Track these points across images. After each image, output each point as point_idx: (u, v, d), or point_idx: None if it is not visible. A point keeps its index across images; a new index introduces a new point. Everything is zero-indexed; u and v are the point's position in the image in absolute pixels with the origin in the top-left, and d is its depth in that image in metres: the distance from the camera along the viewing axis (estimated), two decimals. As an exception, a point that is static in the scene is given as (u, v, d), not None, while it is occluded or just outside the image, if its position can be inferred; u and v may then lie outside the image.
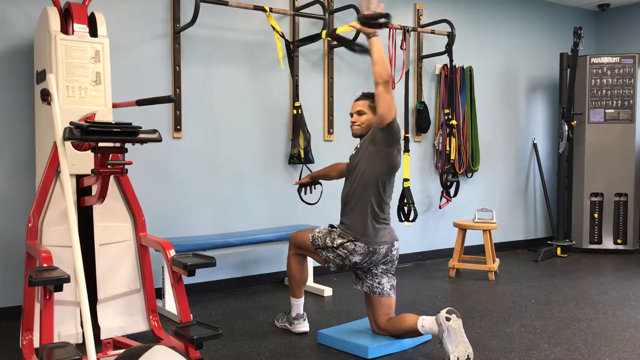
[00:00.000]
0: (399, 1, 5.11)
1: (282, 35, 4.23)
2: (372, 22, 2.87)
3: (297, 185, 3.68)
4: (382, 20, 2.85)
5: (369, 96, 3.13)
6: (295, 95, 4.49)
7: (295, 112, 4.46)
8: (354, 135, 3.17)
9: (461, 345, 2.69)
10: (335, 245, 3.03)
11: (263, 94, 4.45)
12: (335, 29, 4.39)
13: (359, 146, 3.12)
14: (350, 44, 3.52)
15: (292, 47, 4.45)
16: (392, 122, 2.90)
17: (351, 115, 3.16)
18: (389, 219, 3.11)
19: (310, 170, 4.35)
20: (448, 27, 5.04)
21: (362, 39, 4.58)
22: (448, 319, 2.72)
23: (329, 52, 4.74)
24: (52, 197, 2.85)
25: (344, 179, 3.24)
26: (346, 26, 4.27)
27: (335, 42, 4.64)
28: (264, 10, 4.11)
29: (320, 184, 3.71)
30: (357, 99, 3.18)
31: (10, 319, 3.47)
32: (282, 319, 3.41)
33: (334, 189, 3.38)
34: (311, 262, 3.98)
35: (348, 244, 2.99)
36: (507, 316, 3.65)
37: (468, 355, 2.68)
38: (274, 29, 4.17)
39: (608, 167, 5.85)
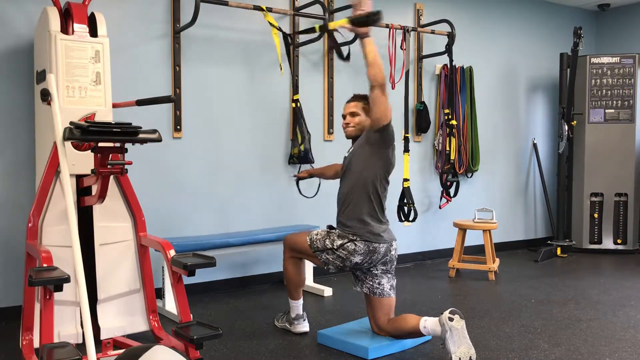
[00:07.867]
0: (399, 1, 5.10)
1: (280, 29, 4.22)
2: (363, 21, 2.84)
3: (296, 178, 3.78)
4: (372, 18, 2.83)
5: (361, 98, 3.16)
6: (294, 94, 4.49)
7: (294, 105, 4.45)
8: (347, 137, 3.20)
9: (464, 346, 2.68)
10: (335, 247, 3.02)
11: (263, 94, 4.45)
12: (327, 23, 4.34)
13: (353, 147, 3.14)
14: (338, 48, 3.55)
15: (291, 40, 4.42)
16: (388, 124, 2.94)
17: (343, 117, 3.18)
18: (387, 219, 3.12)
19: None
20: (448, 27, 5.04)
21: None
22: (451, 319, 2.72)
23: (329, 52, 4.73)
24: (52, 197, 2.85)
25: (338, 180, 3.26)
26: (342, 21, 4.23)
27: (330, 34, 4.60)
28: (261, 9, 4.11)
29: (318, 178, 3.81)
30: (350, 101, 3.20)
31: (10, 319, 3.47)
32: (282, 319, 3.41)
33: (333, 188, 3.38)
34: (310, 262, 3.98)
35: (348, 244, 2.99)
36: (507, 316, 3.65)
37: (470, 356, 2.67)
38: (271, 24, 4.16)
39: (608, 167, 5.85)
